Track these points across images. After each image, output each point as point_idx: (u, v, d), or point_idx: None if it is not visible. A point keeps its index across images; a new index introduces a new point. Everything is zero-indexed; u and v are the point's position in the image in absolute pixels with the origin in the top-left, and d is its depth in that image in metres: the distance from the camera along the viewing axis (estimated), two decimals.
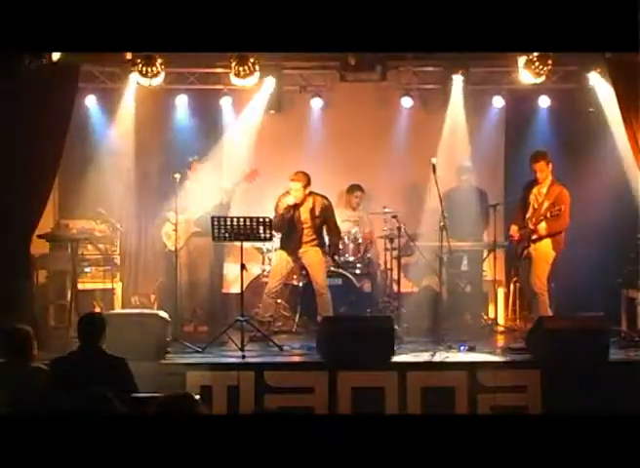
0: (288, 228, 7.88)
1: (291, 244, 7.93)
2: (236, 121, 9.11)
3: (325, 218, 7.95)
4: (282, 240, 8.00)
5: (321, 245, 8.04)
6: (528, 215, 7.74)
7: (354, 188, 9.18)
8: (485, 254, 8.69)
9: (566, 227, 7.64)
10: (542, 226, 7.56)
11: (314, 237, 7.96)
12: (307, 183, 7.80)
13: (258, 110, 8.95)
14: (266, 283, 8.23)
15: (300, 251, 7.95)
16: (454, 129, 8.84)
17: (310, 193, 7.88)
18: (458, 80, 8.52)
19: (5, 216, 7.12)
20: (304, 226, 7.90)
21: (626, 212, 8.17)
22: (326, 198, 8.02)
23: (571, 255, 8.00)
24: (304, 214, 7.88)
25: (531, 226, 7.66)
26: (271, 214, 7.69)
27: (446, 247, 7.65)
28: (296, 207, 7.84)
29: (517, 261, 8.12)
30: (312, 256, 7.98)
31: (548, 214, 7.47)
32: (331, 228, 8.07)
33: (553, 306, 7.81)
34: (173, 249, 8.19)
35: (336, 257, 8.41)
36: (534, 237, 7.64)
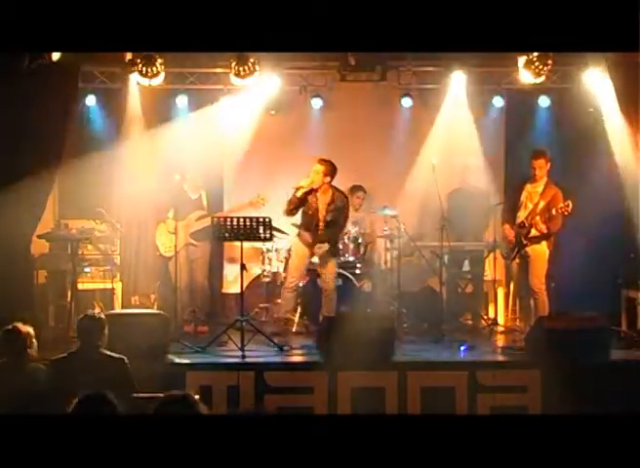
0: (307, 220, 7.74)
1: (309, 237, 7.76)
2: (236, 121, 9.11)
3: (337, 216, 7.75)
4: (300, 232, 7.80)
5: (334, 245, 7.89)
6: (524, 215, 7.70)
7: (357, 189, 9.09)
8: (485, 254, 8.69)
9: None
10: (542, 226, 7.55)
11: (328, 235, 7.80)
12: (328, 173, 7.61)
13: (257, 110, 8.95)
14: (266, 283, 8.20)
15: (316, 247, 7.78)
16: (459, 128, 8.85)
17: (332, 186, 7.75)
18: (458, 79, 8.52)
19: (5, 216, 7.12)
20: (320, 220, 7.72)
21: (626, 211, 8.16)
22: (346, 197, 7.92)
23: (571, 255, 8.00)
24: (322, 204, 7.70)
25: (530, 225, 7.61)
26: (271, 215, 7.65)
27: (446, 247, 7.63)
28: (313, 193, 7.68)
29: (511, 262, 8.09)
30: (326, 256, 7.81)
31: (554, 212, 7.44)
32: (340, 227, 7.91)
33: (553, 306, 7.80)
34: (166, 255, 8.23)
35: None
36: (532, 235, 7.61)
